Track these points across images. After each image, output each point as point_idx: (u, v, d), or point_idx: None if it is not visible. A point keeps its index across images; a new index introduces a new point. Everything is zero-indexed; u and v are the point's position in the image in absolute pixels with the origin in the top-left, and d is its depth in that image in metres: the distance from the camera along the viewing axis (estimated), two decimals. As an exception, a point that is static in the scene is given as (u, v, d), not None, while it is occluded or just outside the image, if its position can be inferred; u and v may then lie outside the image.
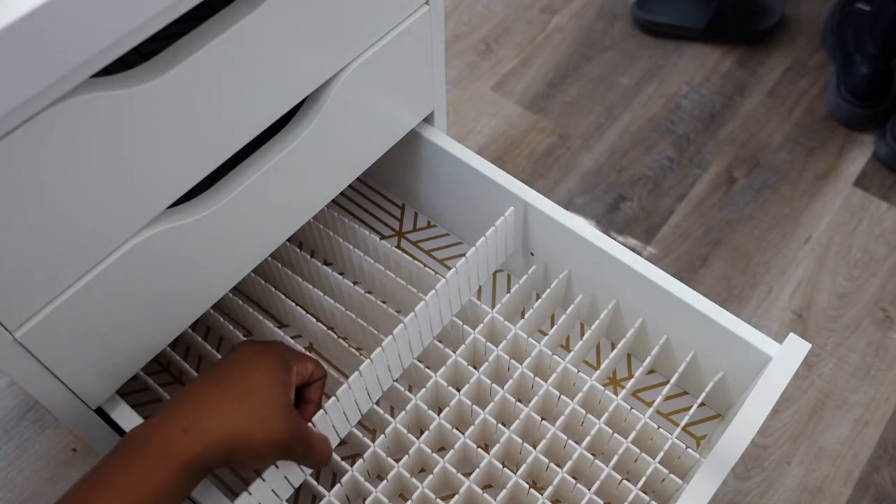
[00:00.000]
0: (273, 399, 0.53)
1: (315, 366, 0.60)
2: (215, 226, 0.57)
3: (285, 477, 0.62)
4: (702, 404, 0.73)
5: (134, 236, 0.52)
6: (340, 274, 0.75)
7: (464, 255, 0.83)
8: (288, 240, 0.71)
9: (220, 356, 0.70)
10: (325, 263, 0.83)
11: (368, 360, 0.63)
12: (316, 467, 0.59)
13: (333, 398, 0.62)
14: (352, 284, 0.73)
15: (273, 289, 0.74)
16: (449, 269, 0.83)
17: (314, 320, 0.72)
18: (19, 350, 0.50)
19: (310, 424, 0.59)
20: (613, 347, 0.77)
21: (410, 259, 0.74)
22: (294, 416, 0.55)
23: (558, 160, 1.15)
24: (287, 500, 0.63)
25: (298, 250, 0.76)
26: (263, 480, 0.59)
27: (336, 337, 0.71)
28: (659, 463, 0.63)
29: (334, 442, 0.65)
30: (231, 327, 0.73)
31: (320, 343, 0.75)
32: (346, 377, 0.74)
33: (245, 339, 0.64)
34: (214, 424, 0.50)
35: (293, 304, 0.73)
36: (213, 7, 0.51)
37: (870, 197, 1.12)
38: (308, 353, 0.60)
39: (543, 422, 0.66)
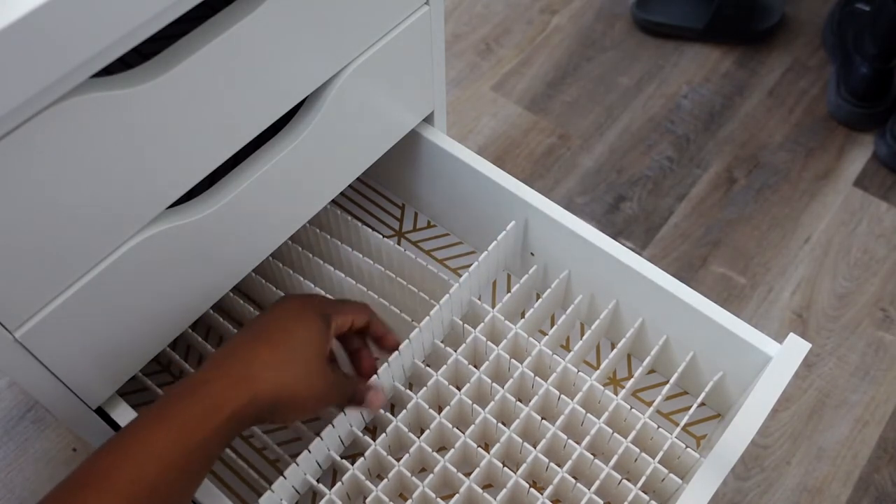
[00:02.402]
0: (314, 355, 0.55)
1: (355, 315, 0.61)
2: (215, 226, 0.57)
3: (291, 485, 0.62)
4: (702, 404, 0.73)
5: (134, 236, 0.52)
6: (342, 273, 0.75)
7: (464, 254, 0.84)
8: (290, 238, 0.71)
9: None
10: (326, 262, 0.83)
11: (386, 364, 0.65)
12: (356, 407, 0.63)
13: None
14: (353, 283, 0.73)
15: (274, 287, 0.74)
16: (449, 269, 0.83)
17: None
18: (19, 350, 0.50)
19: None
20: (613, 347, 0.77)
21: (412, 258, 0.74)
22: (331, 368, 0.57)
23: (558, 160, 1.15)
24: (287, 499, 0.63)
25: (300, 249, 0.76)
26: (285, 478, 0.59)
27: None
28: (659, 462, 0.63)
29: (334, 446, 0.65)
30: (231, 327, 0.73)
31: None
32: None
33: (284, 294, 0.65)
34: (261, 380, 0.52)
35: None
36: (213, 7, 0.51)
37: (870, 197, 1.12)
38: (349, 301, 0.62)
39: (543, 421, 0.66)
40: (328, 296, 0.70)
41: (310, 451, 0.62)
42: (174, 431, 0.48)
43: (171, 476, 0.47)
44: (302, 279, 0.74)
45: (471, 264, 0.83)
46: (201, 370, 0.52)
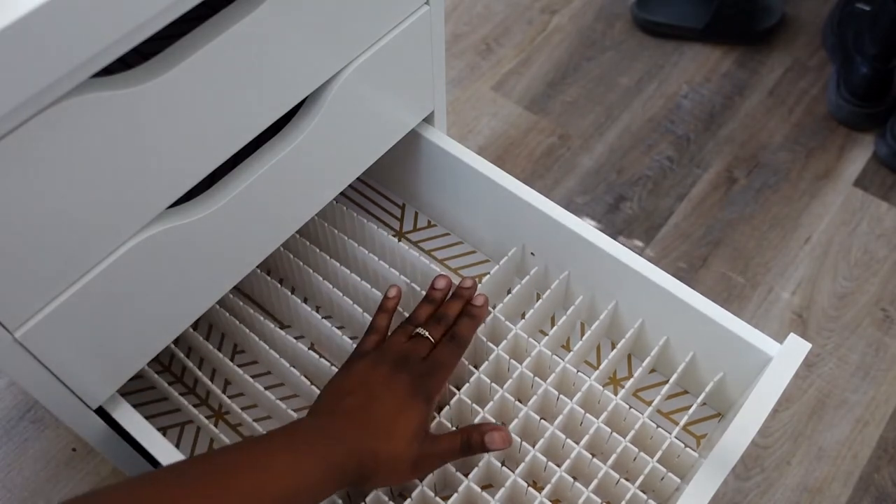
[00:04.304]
0: (416, 435, 0.58)
1: (448, 377, 0.64)
2: (215, 226, 0.57)
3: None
4: (702, 404, 0.73)
5: (134, 236, 0.52)
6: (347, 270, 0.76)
7: (464, 254, 0.84)
8: (297, 232, 0.71)
9: (220, 355, 0.70)
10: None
11: None
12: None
13: None
14: (358, 280, 0.73)
15: (279, 284, 0.74)
16: (449, 269, 0.83)
17: (319, 318, 0.72)
18: (19, 350, 0.50)
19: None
20: (614, 347, 0.77)
21: (416, 255, 0.74)
22: (428, 443, 0.59)
23: (558, 160, 1.15)
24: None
25: (308, 243, 0.76)
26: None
27: (342, 335, 0.71)
28: (657, 462, 0.63)
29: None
30: (237, 322, 0.73)
31: (323, 343, 0.75)
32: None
33: (392, 346, 0.65)
34: (364, 446, 0.56)
35: (298, 301, 0.73)
36: (213, 7, 0.51)
37: (870, 197, 1.12)
38: (442, 360, 0.64)
39: (542, 421, 0.66)
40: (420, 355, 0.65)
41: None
42: (305, 464, 0.52)
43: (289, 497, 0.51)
44: (311, 272, 0.74)
45: (471, 264, 0.83)
46: (317, 420, 0.57)
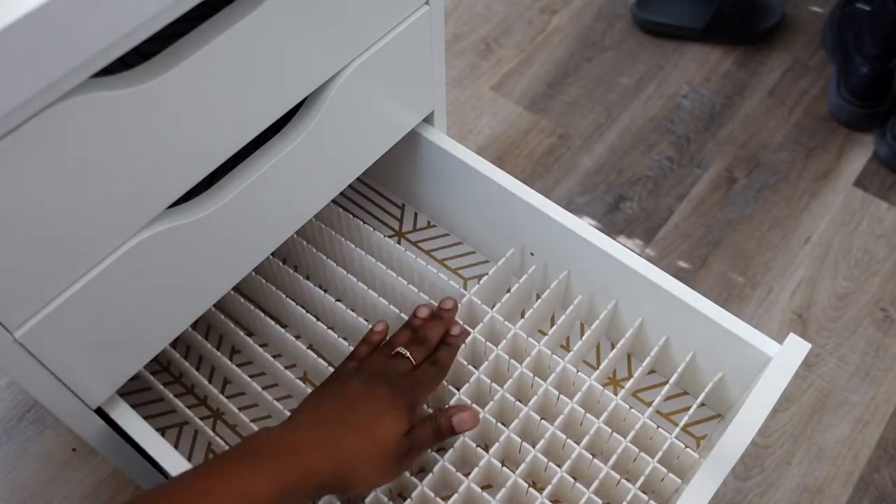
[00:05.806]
0: (397, 440, 0.58)
1: (431, 392, 0.64)
2: (215, 226, 0.57)
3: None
4: (702, 404, 0.73)
5: (134, 236, 0.52)
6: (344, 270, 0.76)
7: (464, 255, 0.84)
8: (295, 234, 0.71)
9: (220, 355, 0.70)
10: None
11: None
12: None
13: None
14: (355, 280, 0.73)
15: (273, 287, 0.74)
16: (449, 269, 0.83)
17: (314, 320, 0.72)
18: (19, 350, 0.50)
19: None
20: (613, 347, 0.77)
21: (413, 257, 0.74)
22: (406, 441, 0.59)
23: (558, 160, 1.15)
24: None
25: (305, 243, 0.76)
26: None
27: (336, 336, 0.71)
28: (658, 462, 0.63)
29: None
30: (232, 325, 0.73)
31: (320, 343, 0.75)
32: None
33: (376, 349, 0.67)
34: (342, 452, 0.55)
35: (293, 304, 0.73)
36: (213, 7, 0.51)
37: (870, 197, 1.12)
38: (427, 377, 0.64)
39: (542, 421, 0.66)
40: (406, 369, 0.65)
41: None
42: (260, 488, 0.51)
43: None
44: (302, 279, 0.74)
45: (470, 265, 0.83)
46: (287, 431, 0.56)
